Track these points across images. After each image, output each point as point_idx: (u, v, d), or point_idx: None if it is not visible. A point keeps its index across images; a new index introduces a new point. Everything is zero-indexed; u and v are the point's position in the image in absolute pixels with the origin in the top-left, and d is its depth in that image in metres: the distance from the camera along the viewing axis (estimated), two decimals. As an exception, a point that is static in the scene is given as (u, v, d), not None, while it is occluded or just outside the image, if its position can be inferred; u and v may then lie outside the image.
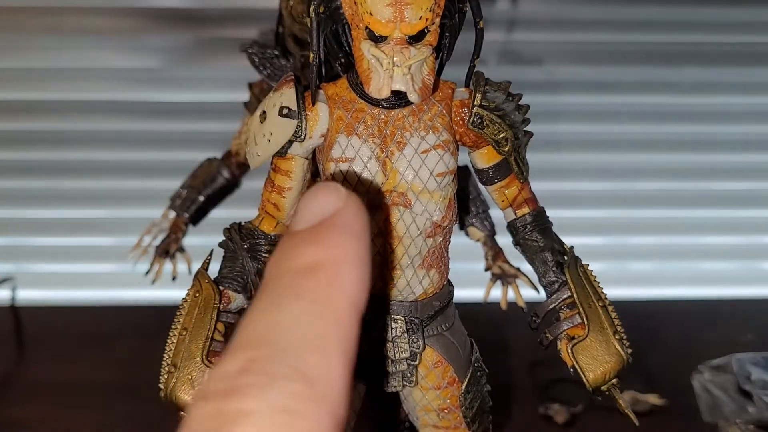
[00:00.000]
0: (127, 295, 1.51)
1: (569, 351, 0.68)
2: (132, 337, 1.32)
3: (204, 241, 1.03)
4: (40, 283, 1.55)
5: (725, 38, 1.48)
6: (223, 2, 1.41)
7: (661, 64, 1.48)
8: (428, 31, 0.63)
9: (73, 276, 1.58)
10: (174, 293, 0.98)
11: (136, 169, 1.51)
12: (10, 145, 1.49)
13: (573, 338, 0.69)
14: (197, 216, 1.02)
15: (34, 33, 1.43)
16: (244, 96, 1.00)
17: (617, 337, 0.69)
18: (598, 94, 1.50)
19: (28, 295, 1.46)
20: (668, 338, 1.34)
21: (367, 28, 0.62)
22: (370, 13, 0.61)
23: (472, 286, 1.01)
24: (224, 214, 1.05)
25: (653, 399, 1.14)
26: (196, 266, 0.86)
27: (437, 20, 0.63)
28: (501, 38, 1.44)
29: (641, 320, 1.37)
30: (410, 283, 0.69)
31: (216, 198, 1.02)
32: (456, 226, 0.91)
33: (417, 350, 0.69)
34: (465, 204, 0.92)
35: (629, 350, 0.69)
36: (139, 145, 1.50)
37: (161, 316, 0.85)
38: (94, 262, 1.57)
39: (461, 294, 0.89)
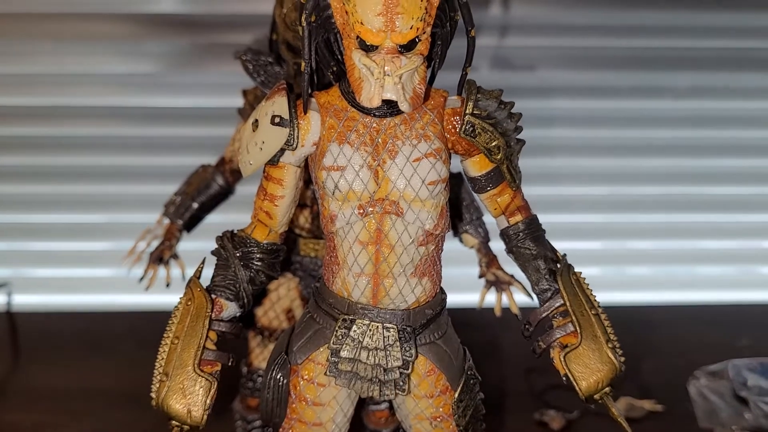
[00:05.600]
0: (123, 300, 1.51)
1: (562, 359, 0.69)
2: (127, 343, 1.33)
3: (198, 246, 1.03)
4: (35, 288, 1.55)
5: (719, 43, 1.48)
6: (218, 8, 1.41)
7: (657, 69, 1.49)
8: (419, 40, 0.63)
9: (68, 281, 1.58)
10: (168, 298, 0.98)
11: (131, 174, 1.51)
12: (7, 150, 1.49)
13: (566, 346, 0.69)
14: (191, 223, 1.02)
15: (31, 39, 1.43)
16: (240, 101, 1.01)
17: (610, 345, 0.69)
18: (596, 98, 1.50)
19: (24, 300, 1.46)
20: (665, 343, 1.35)
21: (358, 37, 0.62)
22: (361, 23, 0.62)
23: (467, 291, 1.01)
24: (218, 218, 1.05)
25: (649, 405, 1.14)
26: (190, 271, 0.86)
27: (428, 29, 0.64)
28: (494, 43, 1.44)
29: (638, 325, 1.38)
30: (402, 291, 0.69)
31: (210, 205, 1.02)
32: (450, 233, 0.91)
33: (409, 358, 0.69)
34: (459, 211, 0.92)
35: (622, 359, 0.69)
36: (135, 150, 1.49)
37: (156, 321, 0.85)
38: (89, 266, 1.57)
39: (457, 299, 0.89)
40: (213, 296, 0.71)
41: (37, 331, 1.37)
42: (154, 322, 0.90)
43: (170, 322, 0.69)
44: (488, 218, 0.88)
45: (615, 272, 1.65)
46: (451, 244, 0.76)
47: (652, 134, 1.53)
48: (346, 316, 0.69)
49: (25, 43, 1.44)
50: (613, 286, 1.61)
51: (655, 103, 1.51)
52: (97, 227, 1.55)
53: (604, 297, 1.60)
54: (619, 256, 1.64)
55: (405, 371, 0.69)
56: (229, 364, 0.70)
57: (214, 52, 1.45)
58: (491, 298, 0.94)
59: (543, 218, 1.56)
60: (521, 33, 1.45)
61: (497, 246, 0.85)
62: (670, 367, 1.25)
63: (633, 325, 1.38)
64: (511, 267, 0.88)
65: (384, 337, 0.68)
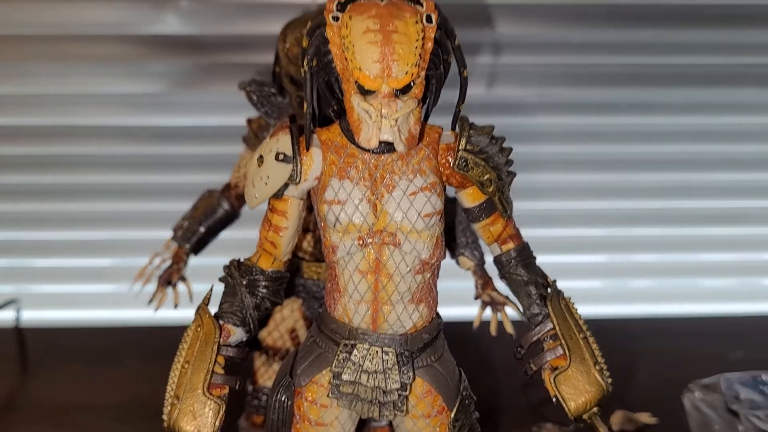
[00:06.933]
0: (129, 315, 1.53)
1: (552, 381, 0.72)
2: (134, 358, 1.36)
3: (205, 262, 1.07)
4: (43, 304, 1.58)
5: (713, 60, 1.51)
6: (221, 30, 1.44)
7: (652, 85, 1.51)
8: (414, 84, 0.67)
9: (76, 296, 1.61)
10: (173, 314, 1.02)
11: (137, 191, 1.54)
12: (15, 168, 1.52)
13: (556, 368, 0.73)
14: (198, 246, 1.05)
15: (38, 60, 1.46)
16: (243, 120, 1.04)
17: (597, 367, 0.72)
18: (594, 115, 1.52)
19: (32, 315, 1.48)
20: (661, 355, 1.37)
21: (356, 82, 0.66)
22: (360, 69, 0.65)
23: (465, 305, 1.04)
24: (224, 235, 1.09)
25: (645, 418, 1.16)
26: (197, 287, 0.89)
27: (422, 74, 0.67)
28: (489, 61, 1.47)
29: (634, 338, 1.40)
30: (400, 317, 0.72)
31: (216, 229, 1.06)
32: (447, 255, 0.95)
33: (407, 381, 0.72)
34: (455, 234, 0.95)
35: (609, 380, 0.73)
36: (141, 168, 1.52)
37: (163, 336, 0.88)
38: (96, 282, 1.60)
39: (456, 313, 0.91)
40: (221, 322, 0.74)
41: (45, 346, 1.40)
42: (160, 336, 0.93)
43: (180, 347, 0.72)
44: (483, 241, 0.91)
45: (613, 285, 1.67)
46: (448, 260, 0.79)
47: (650, 149, 1.55)
48: (347, 341, 0.73)
49: (32, 65, 1.46)
50: (611, 299, 1.63)
51: (652, 118, 1.53)
52: (103, 244, 1.58)
53: (605, 310, 1.61)
54: (618, 269, 1.66)
55: (403, 393, 0.73)
56: (237, 387, 0.73)
57: (218, 73, 1.47)
58: (487, 314, 0.98)
59: (543, 233, 1.56)
60: (516, 51, 1.47)
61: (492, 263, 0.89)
62: (666, 379, 1.27)
63: (630, 337, 1.40)
64: (505, 289, 0.92)
65: (383, 360, 0.72)
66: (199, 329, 0.73)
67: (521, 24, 1.46)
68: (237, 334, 0.75)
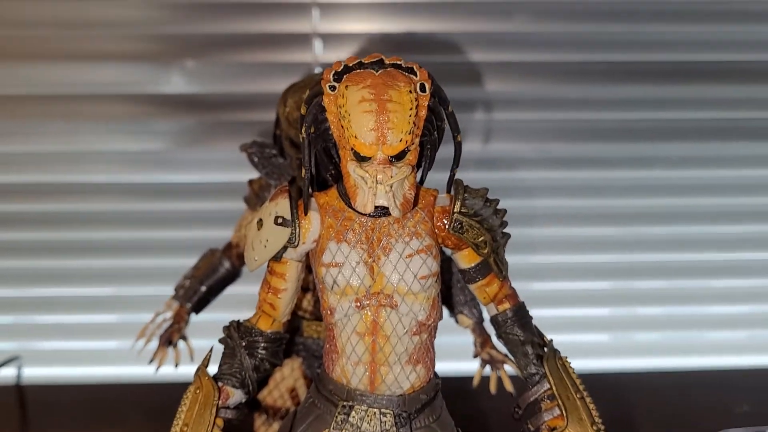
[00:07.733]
0: (130, 371, 1.53)
1: (550, 442, 0.72)
2: (135, 414, 1.35)
3: (207, 317, 1.07)
4: (44, 361, 1.58)
5: (708, 114, 1.53)
6: (223, 89, 1.47)
7: (652, 140, 1.53)
8: (408, 150, 0.69)
9: (77, 353, 1.60)
10: (178, 370, 1.02)
11: (140, 247, 1.55)
12: (20, 224, 1.53)
13: (554, 429, 0.73)
14: (199, 305, 1.06)
15: (46, 118, 1.48)
16: (245, 176, 1.06)
17: (595, 428, 0.72)
18: (597, 169, 1.54)
19: (33, 372, 1.48)
20: (665, 409, 1.36)
21: (352, 149, 0.68)
22: (356, 137, 0.67)
23: (464, 359, 1.04)
24: (228, 290, 1.10)
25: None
26: (197, 342, 0.89)
27: (416, 140, 0.69)
28: (486, 117, 1.49)
29: (638, 391, 1.40)
30: (398, 378, 0.73)
31: (217, 288, 1.07)
32: (446, 312, 0.96)
33: (405, 443, 0.73)
34: (453, 292, 0.96)
35: (607, 440, 0.73)
36: (145, 224, 1.54)
37: (166, 393, 0.89)
38: (98, 339, 1.60)
39: (455, 368, 0.90)
40: (220, 384, 0.75)
41: (46, 404, 1.40)
42: (162, 393, 0.93)
43: (180, 410, 0.73)
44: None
45: (620, 338, 1.66)
46: (447, 315, 0.79)
47: (651, 202, 1.56)
48: (345, 402, 0.73)
49: (40, 123, 1.49)
50: (618, 353, 1.62)
51: (652, 172, 1.55)
52: (105, 300, 1.58)
53: (609, 363, 1.59)
54: (624, 323, 1.65)
55: (401, 454, 0.72)
56: None
57: (221, 131, 1.50)
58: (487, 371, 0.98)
59: (548, 286, 1.54)
60: (513, 107, 1.49)
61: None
62: (670, 433, 1.26)
63: (634, 390, 1.40)
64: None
65: (381, 422, 0.72)
66: (198, 391, 0.73)
67: (518, 81, 1.49)
68: (236, 395, 0.75)
